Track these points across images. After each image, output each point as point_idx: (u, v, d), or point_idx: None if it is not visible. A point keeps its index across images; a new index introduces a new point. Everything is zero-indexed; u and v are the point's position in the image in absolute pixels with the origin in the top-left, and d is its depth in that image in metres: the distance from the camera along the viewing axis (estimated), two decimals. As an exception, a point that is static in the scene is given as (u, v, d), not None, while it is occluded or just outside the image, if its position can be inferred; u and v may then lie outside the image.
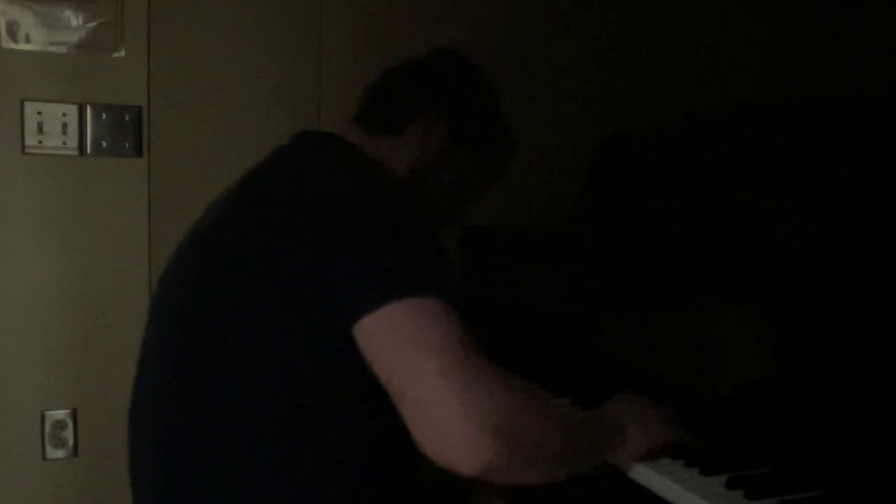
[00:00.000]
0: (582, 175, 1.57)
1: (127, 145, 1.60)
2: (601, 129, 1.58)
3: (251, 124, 1.68)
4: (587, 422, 0.94)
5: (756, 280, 0.99)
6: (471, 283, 1.58)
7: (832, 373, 0.87)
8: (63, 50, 1.55)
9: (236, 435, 0.86)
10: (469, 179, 1.16)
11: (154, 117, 1.62)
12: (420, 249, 0.87)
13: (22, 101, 1.53)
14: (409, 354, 0.80)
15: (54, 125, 1.55)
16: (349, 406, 0.87)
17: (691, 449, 0.95)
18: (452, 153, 1.12)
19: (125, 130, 1.59)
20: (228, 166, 1.62)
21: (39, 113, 1.54)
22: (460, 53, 1.15)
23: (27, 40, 1.53)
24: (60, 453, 1.60)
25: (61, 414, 1.59)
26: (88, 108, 1.57)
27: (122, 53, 1.59)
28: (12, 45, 1.52)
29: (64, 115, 1.55)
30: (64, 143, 1.56)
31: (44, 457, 1.59)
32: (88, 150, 1.58)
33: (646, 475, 0.92)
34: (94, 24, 1.56)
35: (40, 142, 1.54)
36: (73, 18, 1.55)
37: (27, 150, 1.54)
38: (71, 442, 1.60)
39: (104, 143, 1.58)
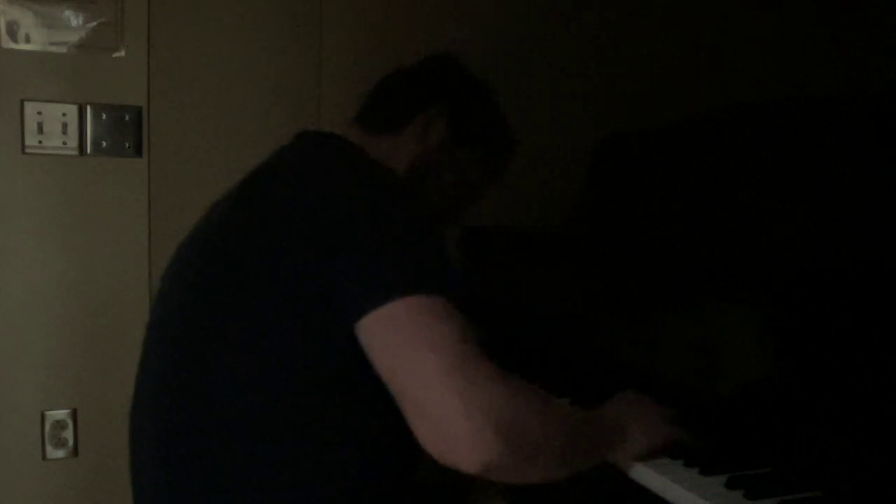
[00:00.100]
0: (582, 175, 1.57)
1: (127, 145, 1.60)
2: (601, 129, 1.58)
3: (251, 124, 1.68)
4: (587, 421, 0.94)
5: (756, 280, 0.99)
6: (471, 283, 1.58)
7: (832, 373, 0.87)
8: (63, 50, 1.55)
9: (237, 435, 0.86)
10: (469, 178, 1.17)
11: (154, 117, 1.62)
12: (422, 248, 0.87)
13: (22, 101, 1.53)
14: (411, 353, 0.80)
15: (54, 125, 1.55)
16: (349, 406, 0.87)
17: (691, 449, 0.94)
18: (452, 151, 1.12)
19: (125, 130, 1.59)
20: (228, 166, 1.63)
21: (39, 113, 1.54)
22: (457, 57, 1.16)
23: (27, 40, 1.53)
24: (60, 453, 1.60)
25: (61, 414, 1.59)
26: (88, 108, 1.57)
27: (122, 53, 1.59)
28: (12, 45, 1.52)
29: (64, 115, 1.55)
30: (64, 143, 1.56)
31: (44, 457, 1.59)
32: (88, 150, 1.58)
33: (646, 475, 0.92)
34: (94, 24, 1.56)
35: (40, 142, 1.54)
36: (73, 18, 1.55)
37: (27, 150, 1.54)
38: (71, 442, 1.60)
39: (104, 143, 1.58)
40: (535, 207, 1.75)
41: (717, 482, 0.86)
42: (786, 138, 1.14)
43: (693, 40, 1.96)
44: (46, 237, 1.57)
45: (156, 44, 1.61)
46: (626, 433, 0.94)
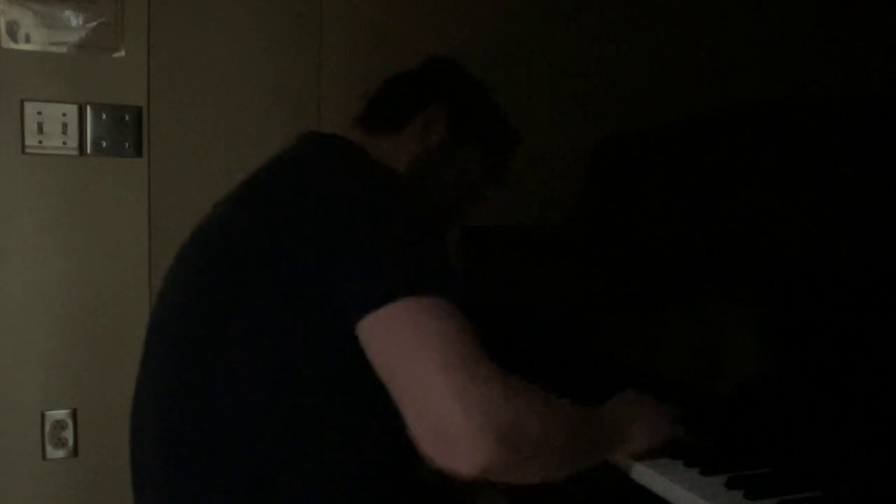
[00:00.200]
0: (582, 175, 1.57)
1: (127, 145, 1.60)
2: (601, 129, 1.58)
3: (251, 124, 1.68)
4: (588, 420, 0.94)
5: (756, 280, 0.99)
6: (471, 283, 1.58)
7: (832, 373, 0.87)
8: (63, 50, 1.55)
9: (237, 435, 0.86)
10: (470, 178, 1.17)
11: (154, 117, 1.62)
12: (422, 249, 0.87)
13: (22, 101, 1.53)
14: (411, 353, 0.80)
15: (54, 125, 1.55)
16: (350, 406, 0.87)
17: (691, 449, 0.94)
18: (452, 151, 1.12)
19: (125, 130, 1.59)
20: (228, 166, 1.64)
21: (39, 113, 1.54)
22: (457, 60, 1.17)
23: (27, 40, 1.53)
24: (60, 453, 1.60)
25: (61, 414, 1.59)
26: (88, 108, 1.57)
27: (122, 53, 1.59)
28: (12, 45, 1.52)
29: (64, 115, 1.55)
30: (64, 143, 1.56)
31: (44, 457, 1.59)
32: (88, 150, 1.58)
33: (646, 475, 0.92)
34: (94, 24, 1.56)
35: (40, 142, 1.54)
36: (73, 18, 1.55)
37: (27, 150, 1.54)
38: (71, 442, 1.60)
39: (104, 143, 1.58)
40: (535, 207, 1.75)
41: (717, 482, 0.86)
42: (786, 138, 1.14)
43: (693, 40, 1.96)
44: (46, 237, 1.57)
45: (156, 44, 1.61)
46: (627, 432, 0.94)
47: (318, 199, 0.89)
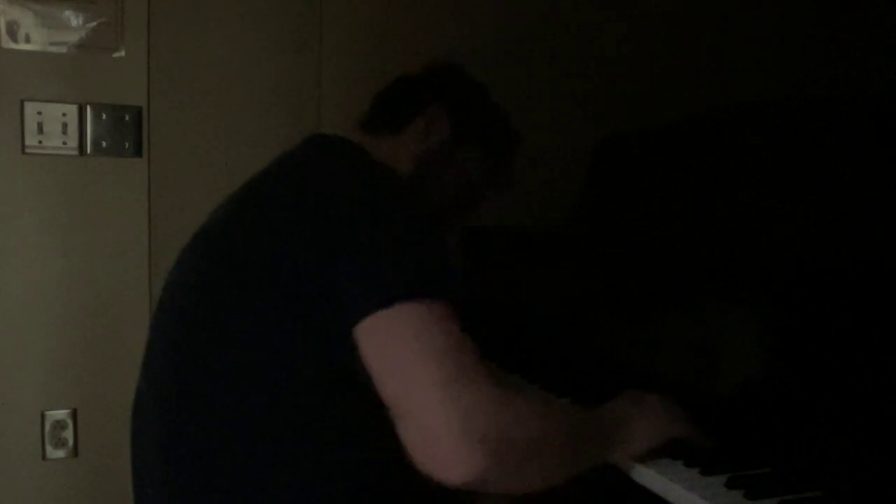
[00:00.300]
0: (582, 175, 1.57)
1: (127, 145, 1.60)
2: (601, 129, 1.58)
3: (251, 124, 1.68)
4: (587, 422, 0.93)
5: (756, 280, 0.99)
6: (471, 283, 1.58)
7: (832, 373, 0.87)
8: (63, 50, 1.55)
9: (238, 435, 0.86)
10: (471, 178, 1.17)
11: (154, 117, 1.62)
12: (422, 251, 0.87)
13: (22, 101, 1.53)
14: (406, 359, 0.80)
15: (54, 125, 1.55)
16: (350, 406, 0.87)
17: (691, 449, 0.94)
18: (453, 151, 1.13)
19: (125, 130, 1.60)
20: (228, 166, 1.64)
21: (39, 113, 1.54)
22: (458, 63, 1.18)
23: (27, 40, 1.53)
24: (60, 453, 1.60)
25: (61, 414, 1.59)
26: (88, 108, 1.57)
27: (122, 53, 1.59)
28: (12, 45, 1.52)
29: (64, 115, 1.55)
30: (64, 143, 1.56)
31: (44, 457, 1.59)
32: (88, 150, 1.58)
33: (646, 475, 0.92)
34: (94, 24, 1.56)
35: (40, 142, 1.54)
36: (73, 18, 1.55)
37: (27, 150, 1.54)
38: (71, 442, 1.60)
39: (104, 143, 1.58)
40: (535, 207, 1.75)
41: (717, 482, 0.86)
42: (786, 138, 1.14)
43: (693, 40, 1.96)
44: (46, 237, 1.57)
45: (156, 44, 1.61)
46: (628, 432, 0.93)
47: (319, 199, 0.89)
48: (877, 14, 1.84)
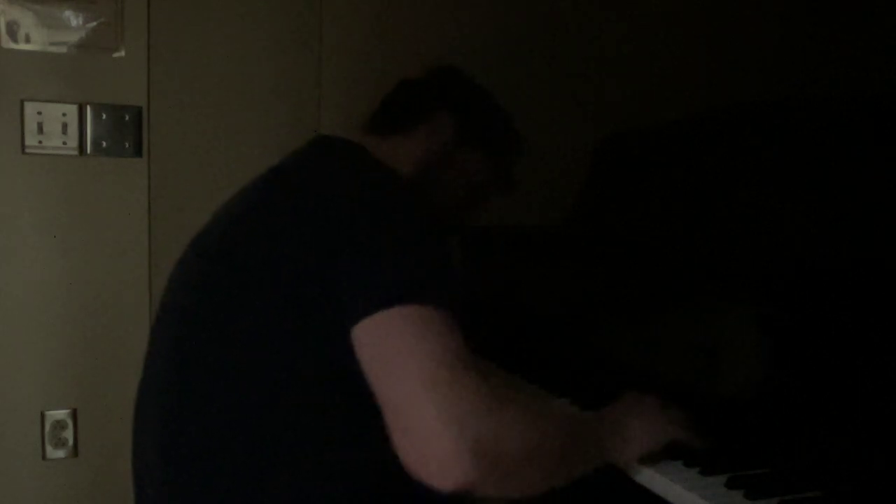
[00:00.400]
0: (582, 175, 1.57)
1: (127, 145, 1.60)
2: (601, 129, 1.58)
3: (251, 124, 1.68)
4: (584, 427, 0.93)
5: (756, 280, 0.99)
6: (471, 283, 1.58)
7: (832, 373, 0.87)
8: (63, 50, 1.55)
9: (237, 435, 0.86)
10: (475, 181, 1.18)
11: (154, 117, 1.62)
12: (422, 253, 0.87)
13: (22, 101, 1.53)
14: (399, 363, 0.79)
15: (54, 125, 1.55)
16: (350, 407, 0.87)
17: (691, 449, 0.94)
18: (457, 154, 1.14)
19: (125, 130, 1.59)
20: (228, 166, 1.64)
21: (39, 113, 1.54)
22: (462, 68, 1.19)
23: (27, 40, 1.53)
24: (60, 453, 1.60)
25: (61, 414, 1.59)
26: (88, 108, 1.57)
27: (122, 53, 1.59)
28: (12, 45, 1.52)
29: (64, 115, 1.55)
30: (64, 143, 1.56)
31: (44, 457, 1.59)
32: (88, 150, 1.58)
33: (646, 475, 0.92)
34: (94, 24, 1.56)
35: (40, 142, 1.54)
36: (73, 18, 1.55)
37: (27, 150, 1.54)
38: (71, 442, 1.60)
39: (104, 143, 1.58)
40: (535, 207, 1.75)
41: (717, 482, 0.86)
42: (786, 138, 1.14)
43: (693, 40, 1.96)
44: (46, 237, 1.57)
45: (156, 44, 1.61)
46: (625, 436, 0.93)
47: (320, 199, 0.89)
48: (877, 14, 1.84)
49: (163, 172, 1.63)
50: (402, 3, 1.78)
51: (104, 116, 1.58)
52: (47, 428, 1.58)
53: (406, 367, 0.79)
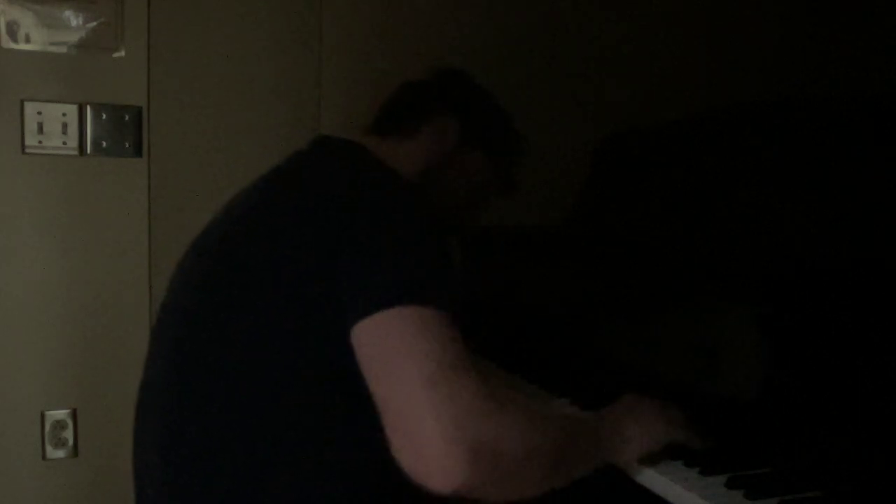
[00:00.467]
0: (582, 175, 1.57)
1: (127, 145, 1.60)
2: (601, 129, 1.58)
3: (251, 124, 1.68)
4: (581, 430, 0.92)
5: (756, 280, 0.99)
6: (471, 283, 1.58)
7: (832, 373, 0.87)
8: (63, 50, 1.55)
9: (238, 435, 0.86)
10: (478, 184, 1.18)
11: (154, 117, 1.62)
12: (424, 257, 0.87)
13: (22, 101, 1.53)
14: (397, 363, 0.79)
15: (54, 125, 1.55)
16: (350, 407, 0.87)
17: (691, 449, 0.94)
18: (460, 157, 1.14)
19: (125, 130, 1.60)
20: (228, 166, 1.64)
21: (39, 113, 1.54)
22: (466, 70, 1.20)
23: (27, 40, 1.53)
24: (60, 453, 1.60)
25: (61, 414, 1.59)
26: (88, 108, 1.57)
27: (122, 53, 1.59)
28: (12, 45, 1.52)
29: (64, 115, 1.55)
30: (64, 143, 1.56)
31: (44, 457, 1.59)
32: (88, 150, 1.58)
33: (646, 475, 0.92)
34: (94, 24, 1.56)
35: (40, 142, 1.54)
36: (73, 18, 1.55)
37: (27, 150, 1.54)
38: (71, 442, 1.60)
39: (104, 143, 1.58)
40: (535, 207, 1.75)
41: (717, 482, 0.86)
42: (786, 138, 1.14)
43: (693, 40, 1.96)
44: (46, 237, 1.57)
45: (156, 44, 1.61)
46: (626, 435, 0.93)
47: (321, 200, 0.89)
48: (877, 14, 1.84)
49: (163, 172, 1.63)
50: (402, 3, 1.78)
51: (104, 116, 1.58)
52: (47, 428, 1.58)
53: (404, 368, 0.79)
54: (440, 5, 1.81)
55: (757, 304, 0.96)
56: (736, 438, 0.97)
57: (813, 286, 0.91)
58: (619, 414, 0.96)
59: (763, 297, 0.96)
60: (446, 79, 1.19)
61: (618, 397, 1.00)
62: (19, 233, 1.56)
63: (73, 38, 1.55)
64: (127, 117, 1.59)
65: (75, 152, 1.57)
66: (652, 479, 0.91)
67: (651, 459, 0.93)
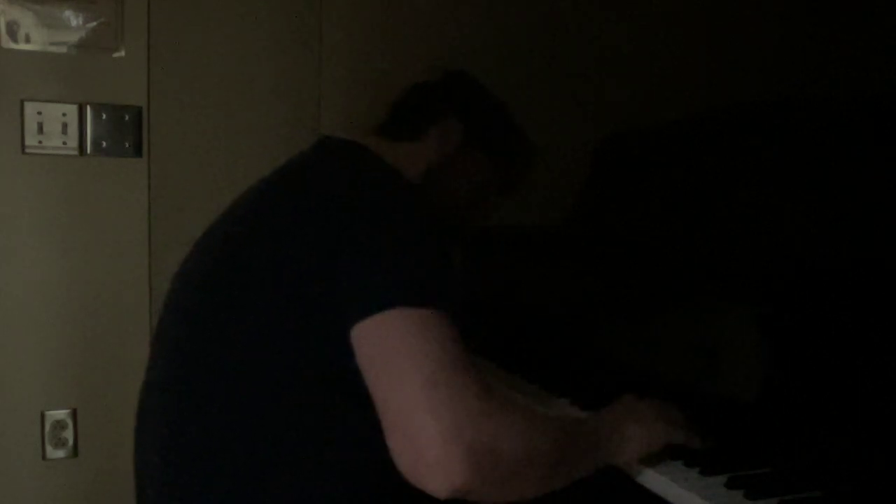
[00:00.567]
0: (582, 175, 1.57)
1: (127, 145, 1.60)
2: (601, 129, 1.58)
3: (251, 124, 1.68)
4: (579, 432, 0.92)
5: (756, 280, 0.99)
6: (471, 283, 1.58)
7: (832, 373, 0.87)
8: (63, 50, 1.55)
9: (238, 435, 0.86)
10: (483, 187, 1.19)
11: (154, 117, 1.62)
12: (424, 259, 0.87)
13: (22, 101, 1.53)
14: (396, 364, 0.79)
15: (54, 125, 1.55)
16: (350, 407, 0.87)
17: (691, 449, 0.94)
18: (466, 160, 1.14)
19: (125, 130, 1.60)
20: (228, 166, 1.64)
21: (39, 113, 1.54)
22: (471, 73, 1.20)
23: (27, 40, 1.53)
24: (60, 453, 1.60)
25: (61, 414, 1.59)
26: (88, 108, 1.57)
27: (122, 53, 1.59)
28: (12, 45, 1.52)
29: (64, 115, 1.55)
30: (64, 143, 1.56)
31: (44, 457, 1.59)
32: (88, 150, 1.58)
33: (646, 475, 0.92)
34: (94, 24, 1.56)
35: (40, 142, 1.54)
36: (73, 18, 1.55)
37: (27, 150, 1.54)
38: (71, 442, 1.60)
39: (104, 143, 1.58)
40: (535, 207, 1.75)
41: (717, 482, 0.86)
42: (786, 138, 1.14)
43: (693, 40, 1.96)
44: (46, 237, 1.57)
45: (156, 44, 1.61)
46: (626, 435, 0.93)
47: (322, 200, 0.89)
48: (877, 14, 1.84)
49: (163, 172, 1.63)
50: (402, 3, 1.78)
51: (104, 116, 1.58)
52: (47, 428, 1.58)
53: (404, 369, 0.79)
54: (440, 5, 1.81)
55: (757, 304, 0.96)
56: (736, 438, 0.97)
57: (813, 286, 0.91)
58: (618, 414, 0.96)
59: (763, 297, 0.96)
60: (452, 81, 1.19)
61: (618, 397, 1.00)
62: (19, 233, 1.56)
63: (73, 38, 1.55)
64: (127, 117, 1.59)
65: (75, 152, 1.57)
66: (652, 479, 0.91)
67: (651, 459, 0.93)
